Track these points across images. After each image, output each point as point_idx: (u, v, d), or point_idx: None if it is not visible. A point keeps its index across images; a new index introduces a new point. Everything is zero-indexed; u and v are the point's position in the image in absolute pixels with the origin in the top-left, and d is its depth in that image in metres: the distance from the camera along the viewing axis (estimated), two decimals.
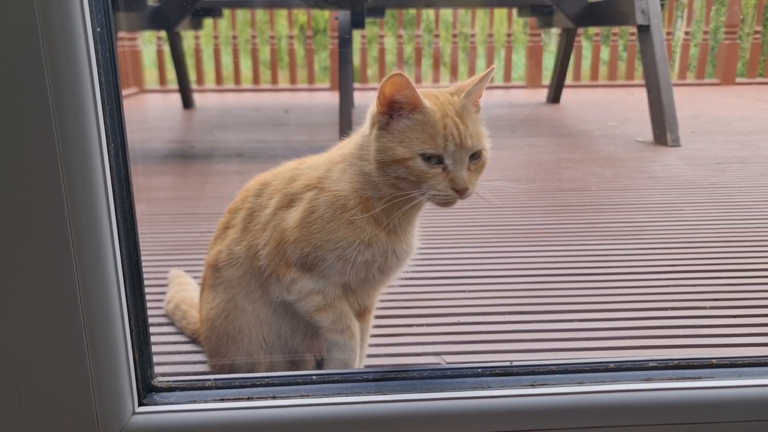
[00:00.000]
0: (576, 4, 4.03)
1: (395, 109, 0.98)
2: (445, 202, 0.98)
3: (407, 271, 1.16)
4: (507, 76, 5.80)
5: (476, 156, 0.99)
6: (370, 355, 1.33)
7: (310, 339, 1.19)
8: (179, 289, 1.54)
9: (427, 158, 0.96)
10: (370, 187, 1.02)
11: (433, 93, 1.02)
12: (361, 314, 1.20)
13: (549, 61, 5.66)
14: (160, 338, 1.45)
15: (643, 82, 3.57)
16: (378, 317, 1.48)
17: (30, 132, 0.77)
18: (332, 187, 1.05)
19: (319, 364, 1.22)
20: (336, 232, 1.03)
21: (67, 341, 0.86)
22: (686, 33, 5.61)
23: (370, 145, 1.01)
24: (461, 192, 0.96)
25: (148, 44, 5.62)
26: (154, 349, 1.00)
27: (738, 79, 5.64)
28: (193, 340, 1.43)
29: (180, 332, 1.47)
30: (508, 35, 5.72)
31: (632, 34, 5.58)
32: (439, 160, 0.97)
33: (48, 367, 0.87)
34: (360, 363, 1.22)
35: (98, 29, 0.78)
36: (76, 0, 0.75)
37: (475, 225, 2.20)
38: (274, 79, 5.81)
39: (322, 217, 1.04)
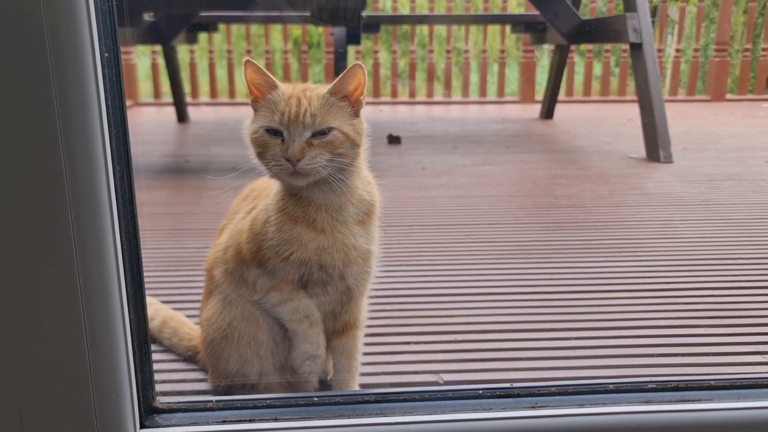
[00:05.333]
0: (569, 22, 4.07)
1: (261, 93, 1.07)
2: (282, 172, 1.04)
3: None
4: (500, 92, 5.84)
5: (322, 134, 1.04)
6: (367, 373, 1.33)
7: None
8: (160, 307, 1.52)
9: (269, 131, 1.05)
10: (282, 189, 1.11)
11: (302, 84, 1.10)
12: (346, 329, 1.22)
13: (542, 77, 5.71)
14: (157, 356, 1.44)
15: (634, 97, 3.61)
16: (375, 335, 1.49)
17: (37, 155, 0.78)
18: (270, 195, 1.15)
19: (323, 383, 1.22)
20: (268, 232, 1.11)
21: (70, 364, 0.86)
22: (677, 50, 5.68)
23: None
24: (291, 160, 1.02)
25: (142, 57, 5.63)
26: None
27: (728, 96, 5.71)
28: (187, 358, 1.41)
29: (168, 350, 1.45)
30: (502, 51, 5.77)
31: (624, 50, 5.65)
32: (280, 134, 1.04)
33: (50, 389, 0.86)
34: (352, 382, 1.23)
35: (106, 54, 0.79)
36: (84, 26, 0.75)
37: (471, 241, 2.21)
38: None
39: (261, 219, 1.13)
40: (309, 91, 1.07)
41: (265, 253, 1.11)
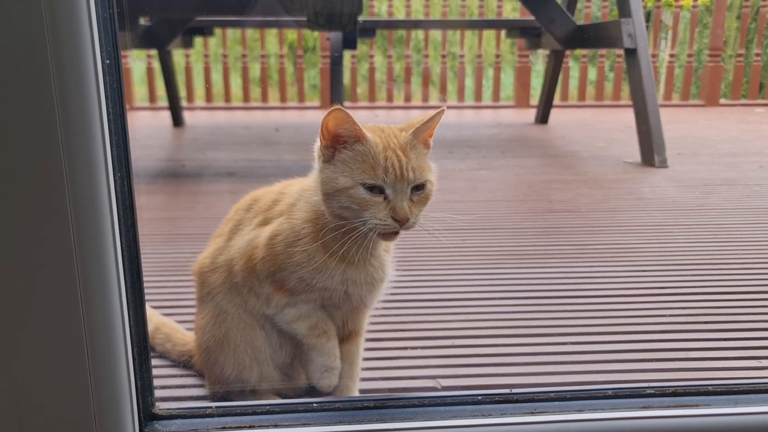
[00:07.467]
0: (565, 27, 4.09)
1: (339, 142, 1.01)
2: (387, 231, 1.00)
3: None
4: (495, 96, 5.86)
5: (419, 188, 1.02)
6: (366, 378, 1.33)
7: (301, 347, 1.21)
8: (151, 313, 1.49)
9: (368, 188, 0.99)
10: (321, 218, 1.06)
11: (379, 127, 1.05)
12: (349, 337, 1.22)
13: (537, 81, 5.73)
14: (155, 361, 1.43)
15: (629, 102, 3.62)
16: (373, 340, 1.48)
17: (38, 162, 0.78)
18: (295, 215, 1.10)
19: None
20: (293, 257, 1.07)
21: (70, 370, 0.86)
22: (671, 55, 5.71)
23: (317, 178, 1.05)
24: (401, 222, 0.99)
25: (138, 61, 5.62)
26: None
27: (722, 101, 5.74)
28: (181, 364, 1.41)
29: (161, 356, 1.43)
30: (497, 56, 5.79)
31: (618, 55, 5.67)
32: (381, 191, 0.99)
33: (50, 396, 0.86)
34: (354, 387, 1.23)
35: (107, 61, 0.80)
36: (86, 33, 0.76)
37: (467, 246, 2.21)
38: (264, 97, 5.84)
39: (284, 241, 1.09)
40: (394, 138, 1.02)
41: (287, 276, 1.09)
